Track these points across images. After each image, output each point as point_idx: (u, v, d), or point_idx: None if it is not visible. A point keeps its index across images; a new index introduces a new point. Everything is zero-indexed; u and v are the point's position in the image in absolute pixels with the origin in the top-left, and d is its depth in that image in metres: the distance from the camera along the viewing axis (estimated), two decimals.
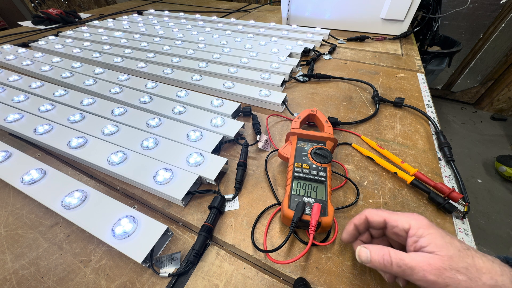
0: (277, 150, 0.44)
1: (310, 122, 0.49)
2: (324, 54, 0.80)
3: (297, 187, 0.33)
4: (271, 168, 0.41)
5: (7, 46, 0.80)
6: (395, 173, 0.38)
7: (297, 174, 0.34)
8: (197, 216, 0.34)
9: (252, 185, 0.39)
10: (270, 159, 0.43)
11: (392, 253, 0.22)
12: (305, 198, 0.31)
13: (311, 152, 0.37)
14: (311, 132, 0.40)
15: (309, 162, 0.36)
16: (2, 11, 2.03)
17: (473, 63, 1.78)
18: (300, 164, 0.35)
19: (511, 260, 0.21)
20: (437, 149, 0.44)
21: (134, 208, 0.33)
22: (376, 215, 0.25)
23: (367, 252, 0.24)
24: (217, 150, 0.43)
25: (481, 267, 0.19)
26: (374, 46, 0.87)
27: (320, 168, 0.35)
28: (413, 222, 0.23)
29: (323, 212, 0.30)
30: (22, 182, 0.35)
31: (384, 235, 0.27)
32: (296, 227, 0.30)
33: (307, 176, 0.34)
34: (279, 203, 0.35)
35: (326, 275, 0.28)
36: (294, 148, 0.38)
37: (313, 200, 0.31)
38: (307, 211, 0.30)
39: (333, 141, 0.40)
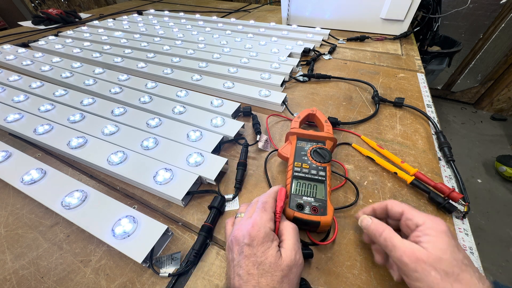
0: (277, 150, 0.44)
1: (310, 121, 0.49)
2: (324, 54, 0.80)
3: (297, 186, 0.33)
4: (271, 168, 0.41)
5: (7, 46, 0.80)
6: (395, 173, 0.38)
7: (296, 174, 0.34)
8: (197, 216, 0.34)
9: (252, 185, 0.39)
10: (270, 159, 0.43)
11: (387, 230, 0.25)
12: (304, 198, 0.31)
13: (310, 151, 0.37)
14: (310, 132, 0.40)
15: (309, 162, 0.35)
16: (2, 11, 2.03)
17: (473, 63, 1.78)
18: (300, 163, 0.35)
19: None
20: (437, 149, 0.44)
21: (134, 208, 0.33)
22: (396, 206, 0.27)
23: (369, 221, 0.27)
24: (217, 150, 0.43)
25: (462, 278, 0.20)
26: (374, 46, 0.87)
27: (319, 167, 0.35)
28: (429, 222, 0.24)
29: (323, 212, 0.30)
30: (22, 182, 0.35)
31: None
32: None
33: (306, 175, 0.34)
34: None
35: (326, 275, 0.28)
36: (294, 147, 0.38)
37: (312, 199, 0.31)
38: (306, 210, 0.30)
39: (332, 141, 0.39)
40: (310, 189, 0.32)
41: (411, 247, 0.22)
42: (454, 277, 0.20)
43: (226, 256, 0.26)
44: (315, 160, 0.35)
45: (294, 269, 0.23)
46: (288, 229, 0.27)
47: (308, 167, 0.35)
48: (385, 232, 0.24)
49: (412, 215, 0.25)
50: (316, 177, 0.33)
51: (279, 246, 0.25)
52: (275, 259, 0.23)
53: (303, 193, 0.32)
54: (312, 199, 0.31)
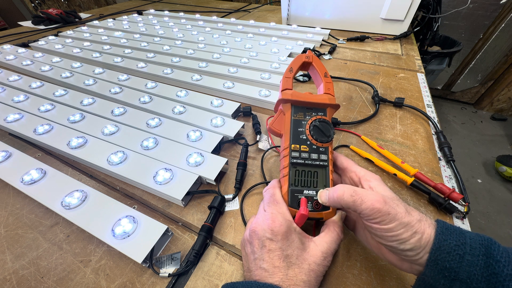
0: (274, 147, 0.44)
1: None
2: (324, 54, 0.80)
3: (295, 176, 0.28)
4: (271, 168, 0.41)
5: (7, 46, 0.80)
6: (395, 174, 0.38)
7: (295, 161, 0.28)
8: (197, 216, 0.34)
9: (252, 185, 0.38)
10: (270, 159, 0.43)
11: (347, 187, 0.24)
12: (306, 191, 0.27)
13: (309, 127, 0.29)
14: (307, 96, 0.30)
15: (308, 142, 0.28)
16: (2, 11, 2.03)
17: (473, 63, 1.79)
18: (298, 145, 0.28)
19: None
20: (437, 149, 0.44)
21: (134, 208, 0.33)
22: (340, 158, 0.30)
23: (326, 192, 0.26)
24: (217, 150, 0.43)
25: (409, 209, 0.23)
26: (374, 46, 0.87)
27: (321, 148, 0.28)
28: (367, 173, 0.27)
29: (325, 206, 0.27)
30: (22, 182, 0.35)
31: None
32: None
33: (306, 161, 0.28)
34: None
35: (326, 275, 0.28)
36: (289, 121, 0.29)
37: (314, 192, 0.27)
38: (308, 207, 0.27)
39: (335, 108, 0.31)
40: (311, 177, 0.28)
41: (375, 194, 0.23)
42: (404, 209, 0.22)
43: (243, 249, 0.27)
44: (316, 140, 0.28)
45: (321, 268, 0.24)
46: (331, 235, 0.26)
47: (307, 149, 0.28)
48: (348, 189, 0.24)
49: (355, 168, 0.27)
50: (317, 162, 0.28)
51: (309, 236, 0.26)
52: (301, 251, 0.24)
53: (303, 184, 0.27)
54: (314, 192, 0.27)
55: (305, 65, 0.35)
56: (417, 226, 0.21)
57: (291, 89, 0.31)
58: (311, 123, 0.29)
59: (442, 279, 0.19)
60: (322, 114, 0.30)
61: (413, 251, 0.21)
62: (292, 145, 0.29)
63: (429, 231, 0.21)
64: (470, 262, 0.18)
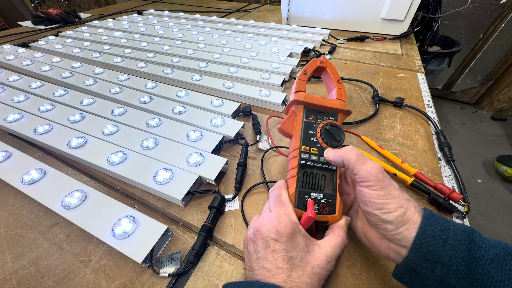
0: (275, 147, 0.44)
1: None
2: (324, 54, 0.80)
3: (303, 178, 0.28)
4: (271, 168, 0.41)
5: (7, 46, 0.80)
6: (395, 174, 0.38)
7: (304, 162, 0.28)
8: (197, 216, 0.34)
9: (252, 185, 0.38)
10: (269, 158, 0.43)
11: (355, 149, 0.26)
12: (313, 194, 0.27)
13: (320, 130, 0.29)
14: (320, 100, 0.31)
15: (319, 145, 0.29)
16: (2, 11, 2.03)
17: (473, 63, 1.78)
18: (308, 147, 0.29)
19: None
20: (437, 149, 0.44)
21: (134, 208, 0.33)
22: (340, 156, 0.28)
23: (333, 150, 0.27)
24: (217, 150, 0.43)
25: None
26: (374, 46, 0.87)
27: None
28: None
29: (331, 209, 0.26)
30: (22, 182, 0.35)
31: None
32: None
33: (315, 164, 0.28)
34: None
35: None
36: (301, 123, 0.30)
37: (321, 195, 0.27)
38: (315, 209, 0.27)
39: (346, 114, 0.32)
40: (318, 180, 0.28)
41: (377, 163, 0.24)
42: (398, 186, 0.24)
43: (246, 247, 0.27)
44: (326, 143, 0.29)
45: (324, 272, 0.24)
46: (336, 239, 0.26)
47: (317, 152, 0.28)
48: (354, 151, 0.25)
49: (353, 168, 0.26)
50: (326, 165, 0.28)
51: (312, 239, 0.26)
52: (305, 254, 0.24)
53: (311, 186, 0.27)
54: (321, 195, 0.27)
55: (319, 70, 0.36)
56: (404, 202, 0.22)
57: (305, 92, 0.32)
58: (323, 126, 0.30)
59: (425, 263, 0.20)
60: (334, 119, 0.31)
61: (393, 224, 0.22)
62: (302, 147, 0.29)
63: (413, 211, 0.22)
64: (453, 246, 0.20)
